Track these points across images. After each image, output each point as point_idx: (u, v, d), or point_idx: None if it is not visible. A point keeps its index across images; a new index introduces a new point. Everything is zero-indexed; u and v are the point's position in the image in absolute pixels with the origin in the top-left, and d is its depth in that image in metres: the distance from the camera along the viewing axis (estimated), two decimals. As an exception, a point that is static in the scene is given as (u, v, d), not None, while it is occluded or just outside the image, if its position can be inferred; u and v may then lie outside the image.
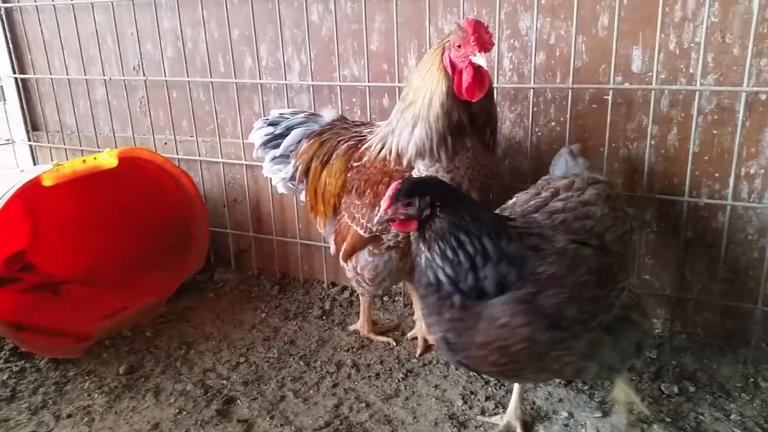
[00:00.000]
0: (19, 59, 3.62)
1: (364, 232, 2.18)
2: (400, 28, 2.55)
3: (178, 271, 3.13)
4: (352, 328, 2.68)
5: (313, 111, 2.65)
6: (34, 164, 3.80)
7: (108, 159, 2.68)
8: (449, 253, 1.52)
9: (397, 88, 2.63)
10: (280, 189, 2.55)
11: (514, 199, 1.90)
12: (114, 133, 3.43)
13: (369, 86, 2.68)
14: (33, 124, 3.76)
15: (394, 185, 1.58)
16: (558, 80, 2.37)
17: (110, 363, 2.52)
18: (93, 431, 2.11)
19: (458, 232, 1.52)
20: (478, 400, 2.16)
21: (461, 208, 1.55)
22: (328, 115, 2.49)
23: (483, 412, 2.09)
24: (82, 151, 3.53)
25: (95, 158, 2.65)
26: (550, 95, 2.41)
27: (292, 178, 2.47)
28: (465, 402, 2.15)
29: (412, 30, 2.56)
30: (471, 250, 1.50)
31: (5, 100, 3.79)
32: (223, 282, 3.24)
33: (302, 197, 2.50)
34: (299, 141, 2.45)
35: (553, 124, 2.43)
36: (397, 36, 2.55)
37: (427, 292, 1.57)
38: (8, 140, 3.82)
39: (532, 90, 2.39)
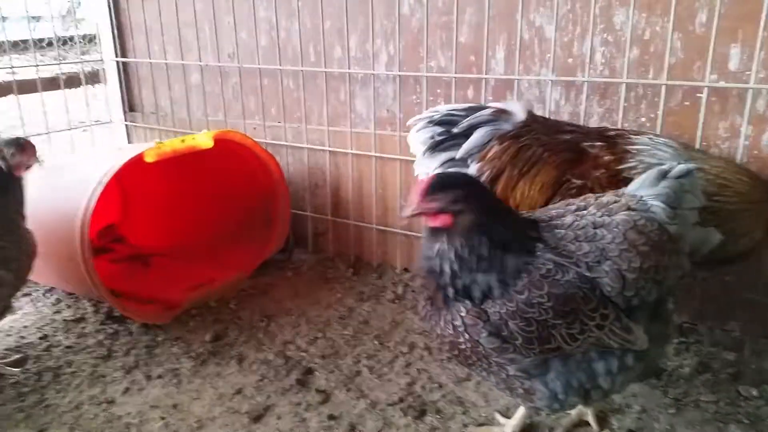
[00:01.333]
0: (122, 44, 3.86)
1: None
2: (490, 21, 2.58)
3: (261, 248, 3.27)
4: None
5: (498, 106, 2.22)
6: (129, 143, 4.05)
7: (205, 140, 2.83)
8: (465, 252, 1.56)
9: (484, 80, 2.67)
10: None
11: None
12: (207, 117, 3.61)
13: (455, 77, 2.72)
14: (130, 105, 4.00)
15: (425, 180, 1.59)
16: (651, 76, 2.35)
17: (197, 331, 2.68)
18: (181, 392, 2.26)
19: (480, 234, 1.56)
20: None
21: (490, 209, 1.59)
22: (517, 110, 2.18)
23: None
24: (174, 132, 3.73)
25: (193, 138, 2.81)
26: (642, 91, 2.38)
27: None
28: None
29: (502, 23, 2.59)
30: (484, 255, 1.55)
31: (107, 82, 4.05)
32: (301, 262, 3.37)
33: None
34: (487, 142, 2.14)
35: (643, 119, 2.40)
36: (487, 28, 2.58)
37: (429, 278, 1.63)
38: (108, 120, 4.07)
39: (624, 85, 2.37)
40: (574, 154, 2.04)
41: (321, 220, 3.39)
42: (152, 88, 3.82)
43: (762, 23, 2.08)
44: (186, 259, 3.38)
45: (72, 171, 2.94)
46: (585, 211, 1.65)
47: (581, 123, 2.42)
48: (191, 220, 3.48)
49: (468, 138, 2.15)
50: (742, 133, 2.23)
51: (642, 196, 1.63)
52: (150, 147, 2.66)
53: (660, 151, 1.94)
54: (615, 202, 1.64)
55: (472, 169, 2.15)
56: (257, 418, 2.08)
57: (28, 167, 2.26)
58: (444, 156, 2.18)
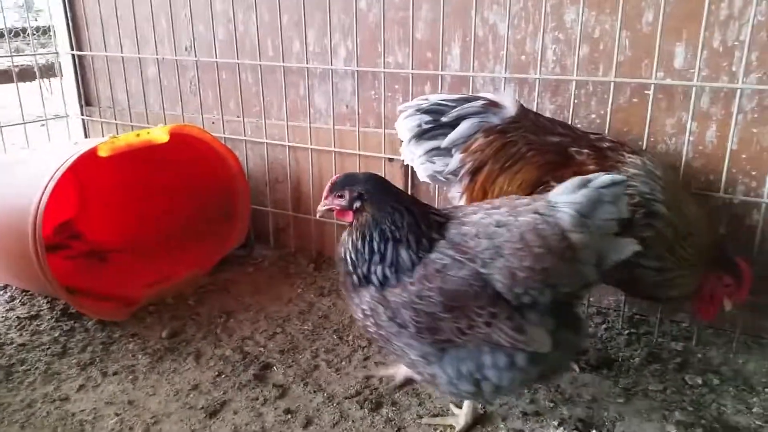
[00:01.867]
0: (77, 37, 3.79)
1: None
2: (445, 17, 2.61)
3: (220, 244, 3.26)
4: None
5: (490, 98, 2.22)
6: (86, 138, 3.97)
7: (160, 134, 2.81)
8: (359, 244, 1.72)
9: (440, 77, 2.70)
10: (424, 178, 2.30)
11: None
12: (164, 111, 3.57)
13: (412, 73, 2.75)
14: (86, 100, 3.93)
15: (333, 178, 1.79)
16: (600, 73, 2.41)
17: (153, 327, 2.66)
18: (136, 388, 2.24)
19: (374, 230, 1.71)
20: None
21: (386, 207, 1.71)
22: (508, 104, 2.18)
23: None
24: (132, 126, 3.67)
25: (148, 133, 2.78)
26: (591, 88, 2.45)
27: (451, 173, 2.20)
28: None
29: (457, 20, 2.62)
30: (375, 248, 1.70)
31: (62, 75, 3.97)
32: (262, 258, 3.37)
33: (455, 192, 2.25)
34: (473, 134, 2.16)
35: (593, 116, 2.47)
36: (442, 25, 2.62)
37: (340, 265, 1.81)
38: (65, 115, 3.99)
39: (574, 82, 2.43)
40: (559, 157, 2.06)
41: (282, 215, 3.38)
42: (108, 81, 3.75)
43: (703, 23, 2.15)
44: (144, 255, 3.34)
45: (25, 166, 2.88)
46: (496, 210, 1.72)
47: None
48: (149, 215, 3.44)
49: (455, 128, 2.17)
50: (688, 129, 2.31)
51: (556, 202, 1.68)
52: (104, 141, 2.63)
53: (647, 180, 1.97)
54: (527, 204, 1.71)
55: (455, 159, 2.17)
56: (213, 414, 2.08)
57: None
58: (429, 144, 2.21)
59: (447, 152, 2.21)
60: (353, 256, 1.73)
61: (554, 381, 2.19)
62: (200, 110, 3.43)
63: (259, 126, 3.29)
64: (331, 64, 2.96)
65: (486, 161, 2.14)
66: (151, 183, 3.38)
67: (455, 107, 2.21)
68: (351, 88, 2.97)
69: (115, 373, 2.33)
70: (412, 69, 2.75)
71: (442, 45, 2.66)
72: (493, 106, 2.20)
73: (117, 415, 2.09)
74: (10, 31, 3.99)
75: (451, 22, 2.64)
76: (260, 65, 3.16)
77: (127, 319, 2.71)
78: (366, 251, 1.71)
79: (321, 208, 1.82)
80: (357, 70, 2.90)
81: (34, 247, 2.43)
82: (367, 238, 1.71)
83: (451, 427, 2.00)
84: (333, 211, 1.81)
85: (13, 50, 3.76)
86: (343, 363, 2.35)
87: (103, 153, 2.62)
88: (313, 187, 3.21)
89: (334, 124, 3.04)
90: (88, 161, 2.65)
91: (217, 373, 2.31)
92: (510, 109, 2.19)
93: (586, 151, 2.05)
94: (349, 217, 1.78)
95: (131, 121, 3.70)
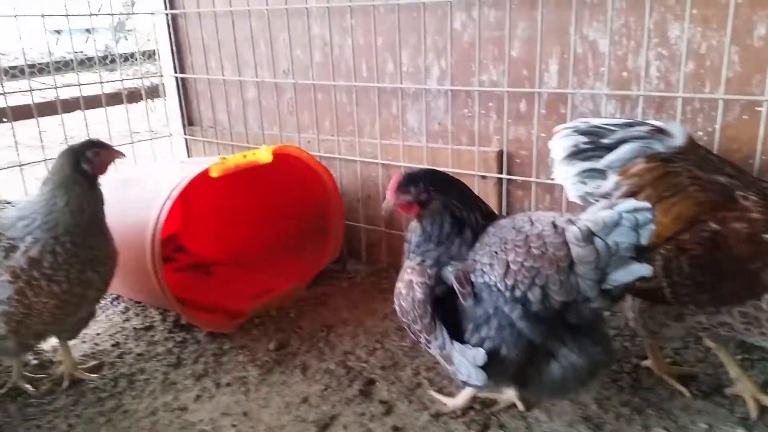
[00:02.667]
0: (180, 60, 4.03)
1: None
2: (543, 35, 2.62)
3: (317, 259, 3.38)
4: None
5: (656, 125, 2.15)
6: (188, 155, 4.21)
7: (265, 155, 2.95)
8: (428, 228, 1.96)
9: (536, 94, 2.70)
10: (575, 199, 2.26)
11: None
12: (263, 131, 3.73)
13: (508, 91, 2.77)
14: (189, 119, 4.16)
15: (395, 177, 1.99)
16: (707, 90, 2.35)
17: (260, 339, 2.79)
18: (249, 400, 2.37)
19: (441, 217, 1.93)
20: (613, 405, 2.20)
21: (450, 200, 1.94)
22: (677, 133, 2.10)
23: (617, 417, 2.13)
24: (232, 146, 3.87)
25: (254, 154, 2.93)
26: (698, 105, 2.39)
27: (603, 195, 2.13)
28: (600, 407, 2.20)
29: (555, 37, 2.62)
30: (439, 232, 1.94)
31: (166, 97, 4.22)
32: (355, 273, 3.46)
33: None
34: (633, 158, 2.09)
35: (700, 134, 2.40)
36: (540, 43, 2.62)
37: (406, 246, 2.06)
38: (168, 134, 4.24)
39: (680, 99, 2.38)
40: (722, 198, 1.94)
41: (374, 231, 3.47)
42: (210, 103, 3.97)
43: (824, 36, 2.06)
44: (244, 268, 3.51)
45: (139, 184, 3.09)
46: (525, 217, 1.85)
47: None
48: (247, 230, 3.61)
49: (613, 151, 2.13)
50: (803, 146, 2.22)
51: (578, 219, 1.72)
52: (215, 162, 2.79)
53: None
54: (553, 216, 1.79)
55: (610, 181, 2.12)
56: (324, 428, 2.17)
57: (110, 163, 2.29)
58: (583, 165, 2.17)
59: (601, 174, 2.16)
60: (416, 239, 1.99)
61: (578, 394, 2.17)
62: (297, 130, 3.57)
63: (352, 144, 3.40)
64: (425, 84, 3.02)
65: (643, 187, 2.06)
66: (249, 198, 3.55)
67: (617, 131, 2.16)
68: (444, 106, 3.02)
69: (228, 384, 2.47)
70: (508, 87, 2.76)
71: (539, 62, 2.66)
72: (659, 133, 2.12)
73: (234, 426, 2.22)
74: (119, 56, 4.27)
75: (548, 39, 2.64)
76: (355, 86, 3.26)
77: (234, 332, 2.86)
78: (433, 235, 1.94)
79: (386, 205, 2.00)
80: (451, 89, 2.94)
81: (152, 262, 2.61)
82: (435, 223, 1.94)
83: None
84: (399, 206, 2.00)
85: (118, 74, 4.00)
86: (445, 382, 2.39)
87: (214, 174, 2.78)
88: (406, 203, 3.27)
89: (427, 142, 3.10)
90: (195, 179, 2.82)
91: (324, 386, 2.41)
92: (678, 138, 2.10)
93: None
94: (415, 210, 1.98)
95: (231, 141, 3.89)
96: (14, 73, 3.71)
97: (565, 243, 1.69)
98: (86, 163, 2.19)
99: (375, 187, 3.39)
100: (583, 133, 2.21)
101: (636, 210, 1.66)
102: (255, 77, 3.65)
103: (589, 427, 2.09)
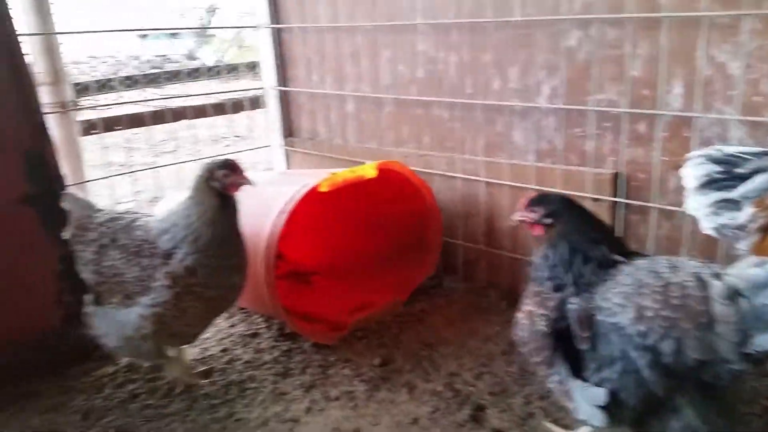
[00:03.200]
0: (283, 73, 4.13)
1: None
2: (666, 55, 2.52)
3: (414, 273, 3.38)
4: None
5: None
6: (287, 166, 4.31)
7: (371, 170, 2.98)
8: (550, 253, 1.94)
9: (657, 116, 2.61)
10: (709, 231, 2.16)
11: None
12: (361, 144, 3.78)
13: (627, 112, 2.68)
14: (288, 131, 4.26)
15: (529, 194, 2.05)
16: None
17: (364, 354, 2.82)
18: (359, 416, 2.39)
19: (562, 244, 1.91)
20: None
21: (574, 231, 1.92)
22: None
23: None
24: (330, 157, 3.93)
25: (361, 169, 2.96)
26: None
27: (738, 227, 2.05)
28: None
29: (679, 58, 2.52)
30: (561, 260, 1.91)
31: (267, 108, 4.34)
32: (452, 290, 3.44)
33: (742, 246, 2.09)
34: None
35: None
36: (662, 63, 2.53)
37: (530, 270, 2.05)
38: (268, 144, 4.36)
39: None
40: None
41: (472, 248, 3.44)
42: (310, 115, 4.05)
43: None
44: (342, 280, 3.55)
45: (251, 196, 3.17)
46: (668, 262, 1.78)
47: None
48: (344, 241, 3.66)
49: (748, 181, 2.03)
50: None
51: (725, 273, 1.64)
52: (325, 177, 2.83)
53: None
54: (697, 266, 1.72)
55: (745, 213, 2.02)
56: (436, 452, 2.17)
57: (239, 186, 2.35)
58: (717, 195, 2.08)
59: (736, 205, 2.06)
60: (542, 265, 1.96)
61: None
62: (396, 144, 3.59)
63: (452, 160, 3.38)
64: (535, 102, 2.97)
65: None
66: (348, 210, 3.58)
67: (753, 159, 2.07)
68: (554, 124, 2.96)
69: (336, 398, 2.50)
70: (627, 107, 2.68)
71: (662, 83, 2.57)
72: None
73: (347, 441, 2.25)
74: (227, 66, 4.43)
75: (672, 60, 2.54)
76: (459, 103, 3.24)
77: (337, 344, 2.90)
78: (554, 262, 1.91)
79: (515, 217, 2.04)
80: (564, 108, 2.88)
81: (266, 275, 2.68)
82: (558, 250, 1.91)
83: None
84: (525, 222, 2.03)
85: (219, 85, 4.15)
86: (561, 414, 2.33)
87: (324, 188, 2.83)
88: (508, 222, 3.22)
89: (535, 161, 3.04)
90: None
91: (432, 408, 2.40)
92: None
93: None
94: (539, 231, 1.99)
95: (330, 153, 3.95)
96: (128, 83, 3.91)
97: (708, 298, 1.60)
98: (215, 181, 2.29)
99: (476, 204, 3.36)
100: (716, 161, 2.10)
101: None
102: (356, 91, 3.69)
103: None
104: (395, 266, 3.48)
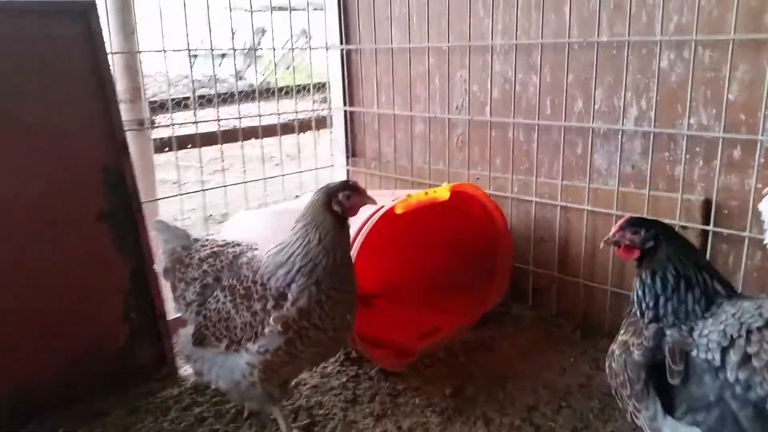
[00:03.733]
0: (350, 94, 4.11)
1: None
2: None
3: (481, 299, 3.25)
4: None
5: None
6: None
7: (444, 192, 2.89)
8: (649, 280, 1.80)
9: (758, 141, 2.45)
10: None
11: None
12: (429, 165, 3.71)
13: (722, 137, 2.53)
14: (353, 151, 4.23)
15: (627, 217, 1.93)
16: None
17: (434, 382, 2.70)
18: (436, 451, 2.28)
19: (665, 270, 1.78)
20: None
21: (678, 253, 1.79)
22: None
23: None
24: (395, 179, 3.87)
25: (434, 192, 2.88)
26: None
27: None
28: None
29: (783, 80, 2.37)
30: (665, 287, 1.77)
31: (332, 128, 4.33)
32: (521, 317, 3.30)
33: None
34: None
35: None
36: (765, 88, 2.38)
37: (631, 304, 1.89)
38: (331, 165, 4.34)
39: None
40: None
41: (544, 275, 3.30)
42: (376, 135, 4.01)
43: None
44: (405, 303, 3.46)
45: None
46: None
47: None
48: (410, 264, 3.56)
49: None
50: None
51: None
52: (401, 200, 2.76)
53: None
54: None
55: None
56: (521, 492, 2.03)
57: (360, 208, 2.19)
58: None
59: None
60: (641, 292, 1.82)
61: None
62: (466, 166, 3.50)
63: (527, 184, 3.27)
64: (621, 124, 2.84)
65: None
66: (414, 232, 3.50)
67: None
68: (640, 148, 2.82)
69: (409, 429, 2.39)
70: (722, 132, 2.53)
71: (762, 107, 2.41)
72: None
73: (427, 477, 2.13)
74: (293, 89, 4.46)
75: (774, 82, 2.39)
76: (537, 124, 3.14)
77: (406, 371, 2.79)
78: (656, 289, 1.78)
79: (611, 238, 1.92)
80: (653, 131, 2.74)
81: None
82: (659, 275, 1.79)
83: None
84: (620, 245, 1.90)
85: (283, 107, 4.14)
86: (648, 452, 2.17)
87: (398, 211, 2.76)
88: (585, 248, 3.08)
89: (618, 185, 2.90)
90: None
91: (511, 443, 2.27)
92: None
93: None
94: (634, 255, 1.87)
95: (395, 174, 3.89)
96: (201, 102, 3.96)
97: None
98: (337, 204, 2.11)
99: (549, 229, 3.23)
100: None
101: None
102: (426, 112, 3.63)
103: None
104: (461, 291, 3.37)
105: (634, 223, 1.88)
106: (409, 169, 3.84)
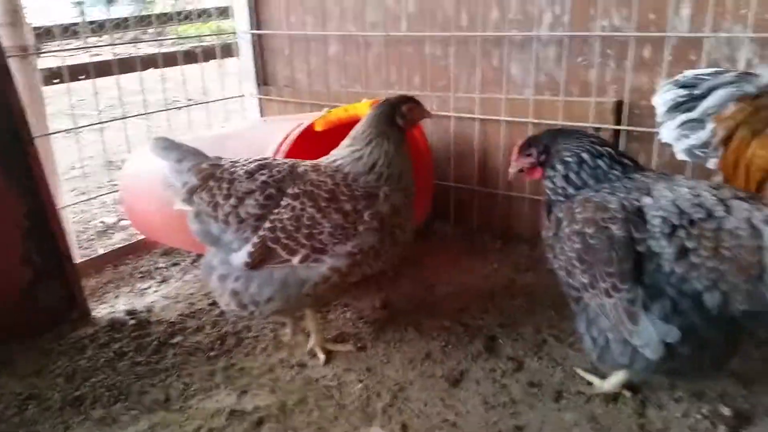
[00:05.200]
0: (257, 15, 3.88)
1: None
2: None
3: (408, 218, 3.25)
4: None
5: (745, 71, 2.22)
6: (262, 116, 4.09)
7: (364, 108, 2.81)
8: (551, 172, 1.95)
9: (664, 39, 2.53)
10: (682, 155, 2.20)
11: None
12: (345, 88, 3.60)
13: (633, 36, 2.59)
14: (263, 79, 4.04)
15: (518, 143, 2.05)
16: None
17: (361, 298, 2.69)
18: (369, 356, 2.28)
19: (561, 157, 1.93)
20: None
21: (569, 139, 1.94)
22: (765, 72, 2.08)
23: None
24: (311, 104, 3.74)
25: (355, 108, 2.80)
26: None
27: (704, 145, 2.11)
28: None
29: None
30: (566, 170, 1.91)
31: (239, 55, 4.09)
32: (444, 234, 3.34)
33: (712, 165, 2.17)
34: (724, 103, 2.08)
35: None
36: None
37: (545, 202, 2.02)
38: (241, 94, 4.13)
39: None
40: None
41: (465, 190, 3.33)
42: (288, 60, 3.83)
43: None
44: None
45: (234, 140, 2.98)
46: (710, 190, 1.68)
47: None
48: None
49: (705, 99, 2.10)
50: None
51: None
52: (319, 116, 2.67)
53: None
54: (747, 211, 1.59)
55: (707, 129, 2.08)
56: (455, 383, 2.08)
57: (418, 122, 2.37)
58: (682, 117, 2.13)
59: (700, 124, 2.11)
60: (551, 184, 1.94)
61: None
62: (383, 86, 3.42)
63: (445, 100, 3.25)
64: (537, 31, 2.85)
65: (735, 129, 2.04)
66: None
67: (708, 79, 2.11)
68: (555, 55, 2.85)
69: (343, 341, 2.38)
70: (633, 32, 2.59)
71: (669, 5, 2.48)
72: (748, 75, 2.10)
73: (360, 381, 2.13)
74: (191, 13, 4.17)
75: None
76: (452, 36, 3.10)
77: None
78: (561, 173, 1.91)
79: (512, 170, 2.04)
80: (568, 35, 2.77)
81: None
82: (558, 162, 1.92)
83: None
84: (523, 171, 2.03)
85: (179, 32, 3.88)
86: (572, 339, 2.27)
87: (318, 128, 2.66)
88: (503, 160, 3.13)
89: (532, 94, 2.94)
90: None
91: (444, 342, 2.31)
92: (766, 77, 2.05)
93: None
94: (539, 173, 2.00)
95: (310, 99, 3.76)
96: (93, 28, 3.59)
97: (760, 248, 1.51)
98: (400, 117, 2.21)
99: (468, 144, 3.24)
100: (681, 86, 2.15)
101: None
102: (340, 30, 3.50)
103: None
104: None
105: (523, 148, 2.02)
106: (325, 95, 3.71)
